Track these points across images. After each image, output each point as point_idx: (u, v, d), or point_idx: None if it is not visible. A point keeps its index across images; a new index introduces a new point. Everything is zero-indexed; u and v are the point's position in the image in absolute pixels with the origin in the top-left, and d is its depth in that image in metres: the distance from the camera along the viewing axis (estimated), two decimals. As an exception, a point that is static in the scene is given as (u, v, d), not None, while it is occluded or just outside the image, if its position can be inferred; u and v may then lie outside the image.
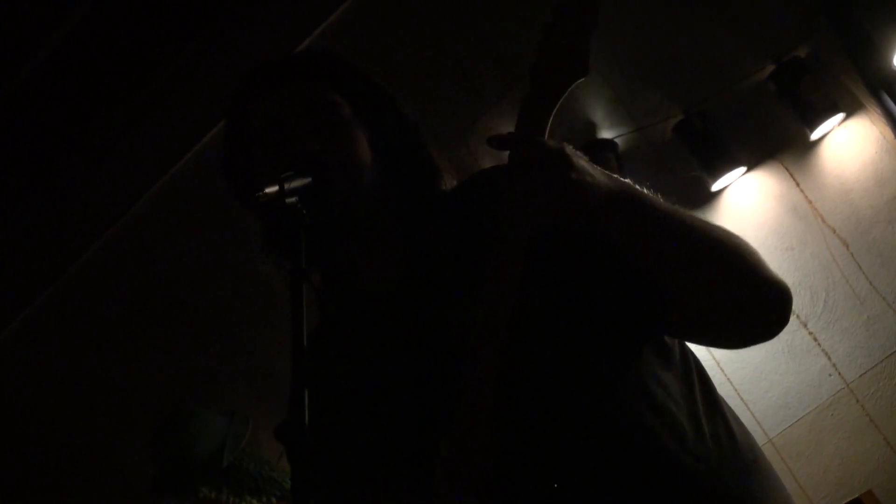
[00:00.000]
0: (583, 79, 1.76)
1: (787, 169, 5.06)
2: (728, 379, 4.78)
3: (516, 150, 1.72)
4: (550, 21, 1.77)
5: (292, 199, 1.67)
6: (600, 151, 5.05)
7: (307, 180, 1.73)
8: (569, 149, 1.72)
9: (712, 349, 4.17)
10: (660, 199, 1.85)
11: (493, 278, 1.71)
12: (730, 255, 1.86)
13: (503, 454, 1.70)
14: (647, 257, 1.81)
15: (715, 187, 5.06)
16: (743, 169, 5.06)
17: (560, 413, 1.80)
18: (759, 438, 4.56)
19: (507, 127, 1.76)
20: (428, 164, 2.24)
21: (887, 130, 4.86)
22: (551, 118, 1.74)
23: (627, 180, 1.82)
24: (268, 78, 2.17)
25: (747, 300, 1.88)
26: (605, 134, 5.18)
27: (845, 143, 4.98)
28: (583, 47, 1.75)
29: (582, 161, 1.71)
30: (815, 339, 4.87)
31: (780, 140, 5.08)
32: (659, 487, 1.76)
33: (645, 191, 1.83)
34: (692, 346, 2.07)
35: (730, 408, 2.04)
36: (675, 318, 1.89)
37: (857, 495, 4.12)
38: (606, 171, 1.77)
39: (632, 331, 1.89)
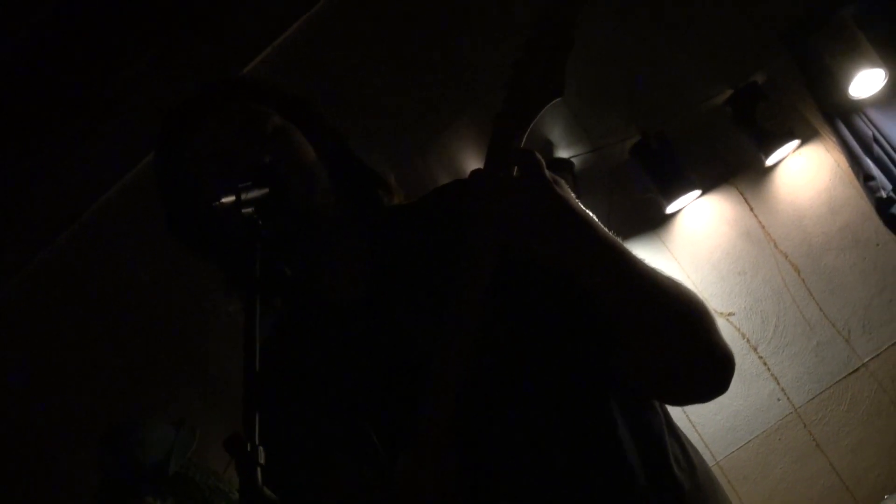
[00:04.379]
0: (558, 99, 1.75)
1: (741, 193, 5.09)
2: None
3: (492, 177, 1.69)
4: (527, 40, 1.76)
5: (248, 210, 1.65)
6: (557, 171, 5.05)
7: (264, 191, 1.72)
8: (551, 177, 1.70)
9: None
10: (629, 251, 1.83)
11: (459, 298, 1.70)
12: (688, 314, 1.84)
13: (463, 471, 1.69)
14: (607, 300, 1.78)
15: (670, 209, 5.08)
16: (698, 192, 5.09)
17: (522, 432, 1.79)
18: (707, 461, 4.59)
19: (464, 144, 1.75)
20: (366, 168, 2.23)
21: (841, 159, 4.91)
22: (525, 137, 1.72)
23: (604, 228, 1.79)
24: (196, 104, 2.15)
25: (696, 360, 1.85)
26: (562, 153, 5.19)
27: (800, 169, 5.02)
28: (559, 67, 1.74)
29: (565, 195, 1.70)
30: (765, 364, 4.90)
31: (736, 164, 5.11)
32: None
33: (615, 237, 1.81)
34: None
35: (683, 433, 2.04)
36: (622, 366, 1.87)
37: (802, 520, 4.15)
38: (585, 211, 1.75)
39: (595, 355, 1.87)
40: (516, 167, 1.67)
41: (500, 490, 1.78)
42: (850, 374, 4.82)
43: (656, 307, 1.78)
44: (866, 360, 4.81)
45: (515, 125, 1.72)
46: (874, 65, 4.71)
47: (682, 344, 1.82)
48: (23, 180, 5.39)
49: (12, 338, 5.86)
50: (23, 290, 5.85)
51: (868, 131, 4.80)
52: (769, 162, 5.00)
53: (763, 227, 5.02)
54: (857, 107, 4.83)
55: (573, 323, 1.85)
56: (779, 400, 4.87)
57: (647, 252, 5.00)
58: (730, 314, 4.97)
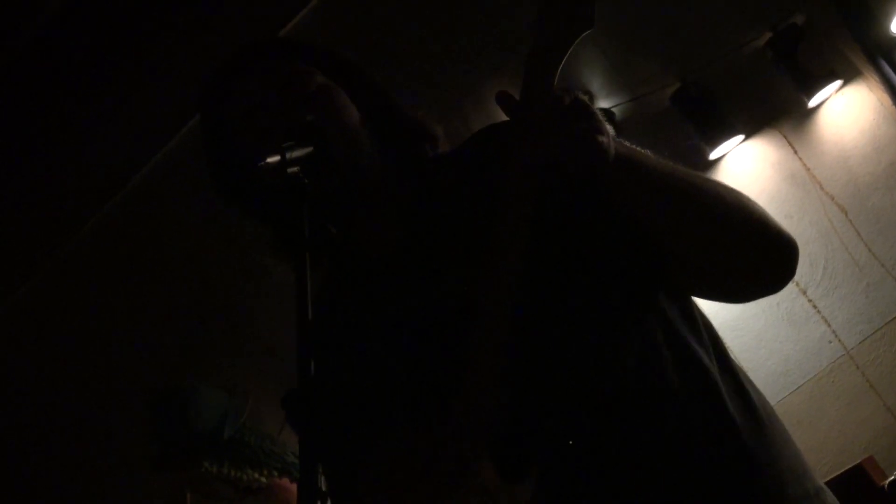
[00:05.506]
0: (590, 31, 1.71)
1: (784, 136, 5.05)
2: (728, 347, 4.78)
3: (533, 106, 1.69)
4: None
5: (294, 169, 1.66)
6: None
7: (308, 150, 1.72)
8: (587, 101, 1.70)
9: (711, 317, 4.16)
10: (660, 160, 1.84)
11: (501, 237, 1.70)
12: (735, 208, 1.87)
13: (515, 411, 1.69)
14: (651, 215, 1.82)
15: (713, 156, 5.06)
16: (741, 137, 5.06)
17: (572, 369, 1.79)
18: (760, 406, 4.59)
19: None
20: (413, 122, 2.23)
21: (885, 97, 4.85)
22: (558, 73, 1.71)
23: (626, 143, 1.81)
24: (238, 64, 2.16)
25: (754, 250, 1.89)
26: (603, 104, 5.17)
27: (843, 110, 4.97)
28: None
29: (599, 118, 1.70)
30: (815, 307, 4.87)
31: (778, 108, 5.07)
32: (674, 442, 1.76)
33: (645, 152, 1.83)
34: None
35: (741, 369, 2.05)
36: (681, 273, 1.90)
37: (858, 461, 4.11)
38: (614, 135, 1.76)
39: (643, 285, 1.89)
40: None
41: (549, 426, 1.78)
42: (901, 313, 4.80)
43: (698, 209, 1.84)
44: (917, 298, 4.79)
45: (547, 63, 1.70)
46: (915, 0, 4.66)
47: (734, 235, 1.87)
48: (67, 148, 5.42)
49: (62, 306, 5.91)
50: (71, 258, 5.89)
51: (911, 68, 4.76)
52: (812, 104, 4.96)
53: (808, 169, 4.98)
54: (900, 44, 4.79)
55: (619, 248, 1.86)
56: (830, 342, 4.85)
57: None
58: (777, 258, 4.94)
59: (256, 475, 4.25)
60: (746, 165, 5.09)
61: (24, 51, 4.83)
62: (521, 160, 1.69)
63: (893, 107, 4.82)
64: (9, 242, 5.69)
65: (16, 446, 5.95)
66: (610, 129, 1.71)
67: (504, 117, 1.73)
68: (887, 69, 4.78)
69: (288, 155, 1.66)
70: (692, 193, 1.84)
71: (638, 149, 1.83)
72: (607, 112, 5.11)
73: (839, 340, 4.83)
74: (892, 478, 3.91)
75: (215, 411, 4.35)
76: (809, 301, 4.88)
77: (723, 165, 5.11)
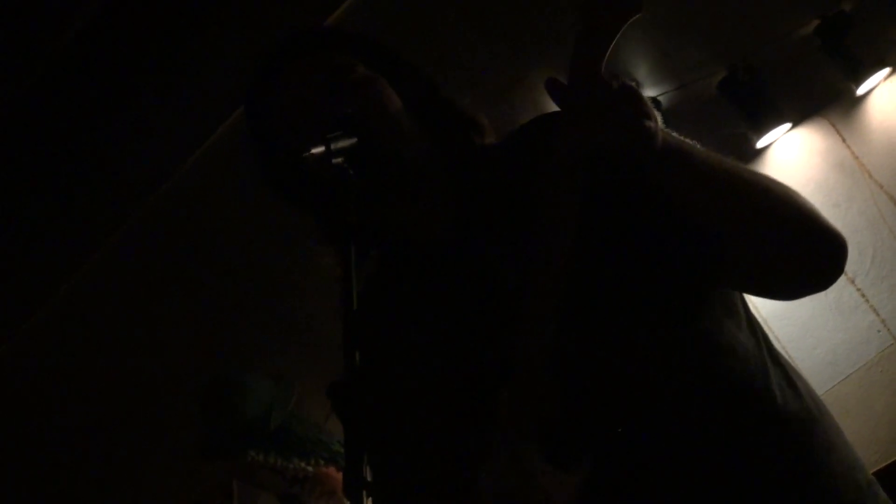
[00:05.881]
0: (638, 16, 1.69)
1: (832, 125, 5.01)
2: (776, 336, 4.76)
3: (581, 90, 1.68)
4: None
5: (338, 160, 1.67)
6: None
7: (353, 141, 1.73)
8: (636, 88, 1.69)
9: (759, 306, 4.13)
10: (707, 152, 1.83)
11: (549, 223, 1.70)
12: (783, 204, 1.85)
13: (565, 400, 1.69)
14: (699, 208, 1.80)
15: (760, 144, 5.02)
16: (788, 125, 5.02)
17: (622, 357, 1.79)
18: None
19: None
20: (458, 112, 2.23)
21: (935, 84, 4.82)
22: (606, 58, 1.69)
23: (674, 133, 1.80)
24: (281, 55, 2.18)
25: (801, 247, 1.87)
26: (649, 92, 5.14)
27: (892, 97, 4.93)
28: None
29: (647, 103, 1.69)
30: (863, 296, 4.84)
31: (826, 95, 5.03)
32: (724, 433, 1.76)
33: (693, 144, 1.82)
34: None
35: (788, 361, 2.04)
36: (730, 268, 1.88)
37: (907, 451, 4.11)
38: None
39: (694, 275, 1.88)
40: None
41: (599, 414, 1.78)
42: (950, 302, 4.76)
43: (747, 202, 1.82)
44: (967, 287, 4.75)
45: (595, 48, 1.69)
46: (966, -14, 4.62)
47: (782, 231, 1.85)
48: (111, 143, 5.44)
49: (111, 299, 5.95)
50: (124, 249, 5.92)
51: (962, 54, 4.72)
52: (860, 91, 4.92)
53: (856, 157, 4.94)
54: (950, 30, 4.75)
55: (668, 236, 1.85)
56: (879, 332, 4.82)
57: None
58: (825, 247, 4.91)
59: (303, 464, 4.27)
60: (794, 154, 5.05)
61: (70, 45, 4.85)
62: (569, 145, 1.68)
63: (943, 94, 4.79)
64: (61, 232, 5.72)
65: (66, 435, 5.99)
66: (658, 115, 1.70)
67: (551, 106, 1.73)
68: (937, 56, 4.75)
69: (332, 146, 1.67)
70: (739, 186, 1.82)
71: (686, 140, 1.82)
72: (654, 100, 5.09)
73: (888, 330, 4.80)
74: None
75: (262, 401, 4.37)
76: (858, 290, 4.85)
77: (770, 154, 5.07)
